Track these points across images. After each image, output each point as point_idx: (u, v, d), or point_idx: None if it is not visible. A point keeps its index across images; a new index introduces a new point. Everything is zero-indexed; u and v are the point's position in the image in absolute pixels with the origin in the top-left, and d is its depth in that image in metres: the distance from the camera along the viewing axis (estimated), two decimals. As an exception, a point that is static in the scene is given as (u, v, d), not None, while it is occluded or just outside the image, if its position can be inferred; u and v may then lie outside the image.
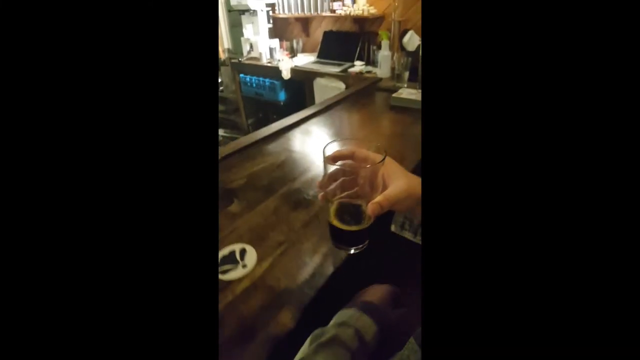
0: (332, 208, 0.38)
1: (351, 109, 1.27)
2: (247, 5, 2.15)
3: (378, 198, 0.35)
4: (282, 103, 2.23)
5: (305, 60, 2.18)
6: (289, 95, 2.22)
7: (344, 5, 1.98)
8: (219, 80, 2.66)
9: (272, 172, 0.81)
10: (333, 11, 2.03)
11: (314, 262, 0.52)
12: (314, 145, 0.96)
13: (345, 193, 0.37)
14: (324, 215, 0.62)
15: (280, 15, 2.32)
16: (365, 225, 0.38)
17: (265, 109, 2.44)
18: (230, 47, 3.01)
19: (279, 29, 2.50)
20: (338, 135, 1.05)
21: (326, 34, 2.19)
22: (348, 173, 0.37)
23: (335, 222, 0.38)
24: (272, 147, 0.96)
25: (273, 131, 1.04)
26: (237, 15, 2.36)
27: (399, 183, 0.37)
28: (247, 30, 2.29)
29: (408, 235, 0.42)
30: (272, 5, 2.31)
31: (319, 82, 1.92)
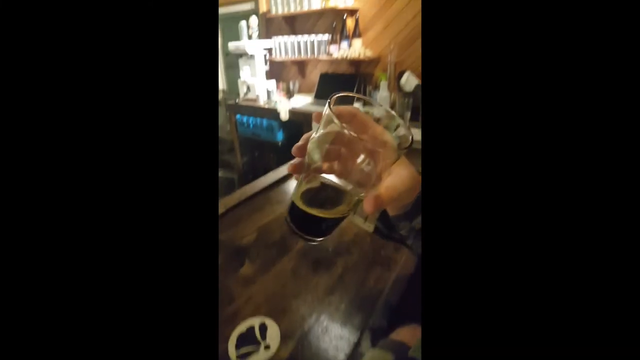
0: (303, 185, 0.28)
1: (357, 151, 1.25)
2: (244, 49, 2.20)
3: (380, 190, 0.27)
4: (279, 143, 2.22)
5: (302, 101, 2.21)
6: (287, 135, 2.22)
7: (340, 48, 2.04)
8: (215, 121, 2.67)
9: (283, 225, 0.75)
10: (330, 54, 2.09)
11: (349, 340, 0.45)
12: (324, 192, 0.92)
13: (319, 165, 0.27)
14: (348, 277, 0.56)
15: (277, 59, 2.39)
16: (345, 213, 0.29)
17: (261, 149, 2.42)
18: (225, 88, 3.06)
19: (275, 70, 2.56)
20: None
21: (322, 76, 2.24)
22: (338, 141, 0.26)
23: (302, 205, 0.28)
24: (280, 194, 0.91)
25: (279, 177, 1.00)
26: (234, 57, 2.41)
27: (402, 173, 0.28)
28: (244, 72, 2.33)
29: (358, 220, 0.36)
30: (269, 49, 2.38)
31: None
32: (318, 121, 0.26)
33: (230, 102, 2.41)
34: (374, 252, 0.62)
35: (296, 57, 2.28)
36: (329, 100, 0.25)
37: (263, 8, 2.51)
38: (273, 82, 2.30)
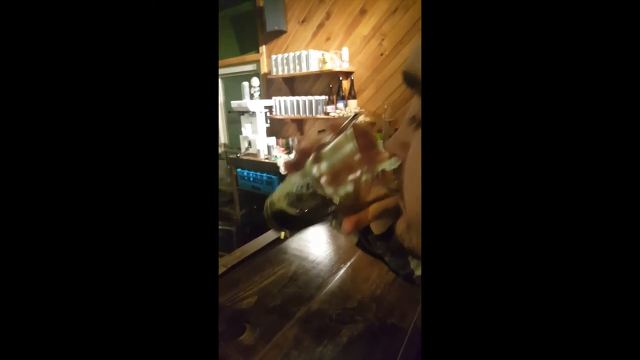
0: (292, 187, 0.29)
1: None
2: (246, 107, 2.33)
3: (361, 213, 0.28)
4: (278, 196, 2.25)
5: (301, 155, 2.28)
6: (286, 188, 2.26)
7: (336, 109, 2.17)
8: (215, 173, 2.72)
9: (284, 288, 0.74)
10: (327, 114, 2.21)
11: None
12: (323, 250, 0.92)
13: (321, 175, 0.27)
14: (354, 348, 0.53)
15: (277, 117, 2.51)
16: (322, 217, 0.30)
17: (260, 202, 2.44)
18: (227, 142, 3.17)
19: (275, 127, 2.68)
20: (346, 240, 1.01)
21: (320, 133, 2.34)
22: (347, 160, 0.26)
23: (287, 206, 0.29)
24: (281, 253, 0.90)
25: (278, 236, 0.99)
26: (236, 115, 2.54)
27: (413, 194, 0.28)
28: (246, 129, 2.44)
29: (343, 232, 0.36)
30: (270, 107, 2.52)
31: (316, 176, 1.97)
32: (334, 131, 0.27)
33: (232, 156, 2.48)
34: (380, 321, 0.60)
35: (295, 115, 2.40)
36: (352, 117, 0.27)
37: (264, 69, 2.71)
38: (273, 138, 2.40)
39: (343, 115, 2.11)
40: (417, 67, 0.19)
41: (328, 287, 0.72)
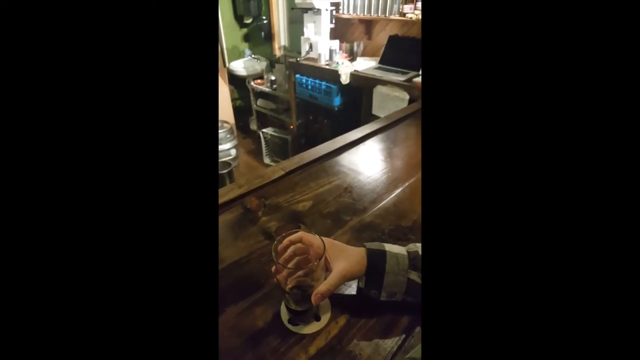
0: (287, 294, 0.43)
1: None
2: (311, 3, 2.10)
3: (320, 288, 0.41)
4: (336, 108, 2.17)
5: (365, 65, 2.09)
6: (345, 100, 2.15)
7: (415, 8, 1.86)
8: (273, 78, 2.66)
9: (339, 198, 0.75)
10: (403, 14, 1.91)
11: (402, 323, 0.44)
12: (381, 167, 0.89)
13: (302, 272, 0.43)
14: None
15: (344, 16, 2.25)
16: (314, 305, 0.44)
17: (316, 112, 2.38)
18: (287, 44, 2.99)
19: (340, 29, 2.43)
20: (405, 157, 0.96)
21: (391, 39, 2.08)
22: (300, 252, 0.44)
23: (292, 305, 0.44)
24: (337, 165, 0.89)
25: (337, 146, 0.98)
26: (299, 12, 2.32)
27: (338, 268, 0.42)
28: (308, 30, 2.25)
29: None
30: (337, 5, 2.24)
31: (379, 90, 1.83)
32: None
33: (291, 60, 2.36)
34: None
35: (365, 15, 2.12)
36: (275, 246, 0.42)
37: (335, -43, 2.32)
38: (337, 42, 2.20)
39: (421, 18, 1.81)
40: None
41: (382, 203, 0.72)
